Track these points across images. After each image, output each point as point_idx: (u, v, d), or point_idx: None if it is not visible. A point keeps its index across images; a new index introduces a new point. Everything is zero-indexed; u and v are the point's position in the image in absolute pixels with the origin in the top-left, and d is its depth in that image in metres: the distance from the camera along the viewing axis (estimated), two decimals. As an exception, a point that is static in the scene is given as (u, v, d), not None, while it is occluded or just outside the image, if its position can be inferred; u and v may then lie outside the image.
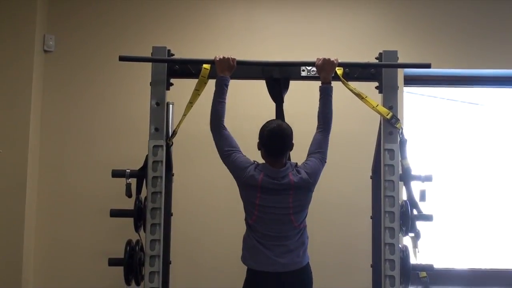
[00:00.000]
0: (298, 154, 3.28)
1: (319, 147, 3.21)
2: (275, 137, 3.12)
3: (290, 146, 3.18)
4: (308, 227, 3.23)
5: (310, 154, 3.22)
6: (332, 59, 3.24)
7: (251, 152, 3.22)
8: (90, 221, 4.35)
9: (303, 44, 4.47)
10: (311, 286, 3.23)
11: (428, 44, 4.51)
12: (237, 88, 3.41)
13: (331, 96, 3.25)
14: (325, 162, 3.21)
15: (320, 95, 3.25)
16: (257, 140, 3.19)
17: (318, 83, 3.29)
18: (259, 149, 3.19)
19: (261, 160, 3.20)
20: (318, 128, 3.24)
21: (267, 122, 3.19)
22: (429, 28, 4.54)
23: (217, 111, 3.19)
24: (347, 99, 3.38)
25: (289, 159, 3.28)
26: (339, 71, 3.34)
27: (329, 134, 3.24)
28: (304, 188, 3.12)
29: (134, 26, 4.52)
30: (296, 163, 3.21)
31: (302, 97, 3.90)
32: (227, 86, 3.23)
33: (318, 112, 3.26)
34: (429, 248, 4.22)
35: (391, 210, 3.27)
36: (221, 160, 3.14)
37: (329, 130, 3.24)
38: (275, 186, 3.09)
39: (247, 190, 3.14)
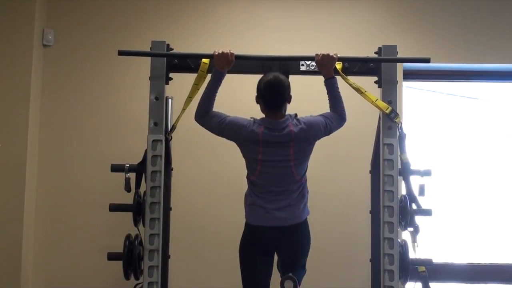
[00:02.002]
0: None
1: (330, 116, 3.24)
2: (272, 88, 3.14)
3: (287, 97, 3.19)
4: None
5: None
6: (331, 53, 3.24)
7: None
8: (89, 215, 4.35)
9: (302, 38, 4.46)
10: (308, 242, 3.23)
11: (427, 38, 4.50)
12: (236, 82, 3.41)
13: (337, 87, 3.28)
14: (328, 130, 3.22)
15: (327, 89, 3.28)
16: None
17: (317, 78, 3.30)
18: (257, 102, 3.20)
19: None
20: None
21: (264, 75, 3.19)
22: (429, 23, 4.53)
23: (206, 105, 3.22)
24: (347, 93, 3.37)
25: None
26: (339, 65, 3.33)
27: (343, 122, 3.28)
28: (304, 139, 3.14)
29: (133, 20, 4.51)
30: (296, 114, 3.23)
31: (301, 93, 3.89)
32: (221, 81, 3.24)
33: (330, 106, 3.30)
34: (428, 243, 4.22)
35: (390, 205, 3.27)
36: (220, 155, 3.15)
37: (343, 118, 3.27)
38: (275, 138, 3.10)
39: (248, 147, 3.15)
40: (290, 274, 2.96)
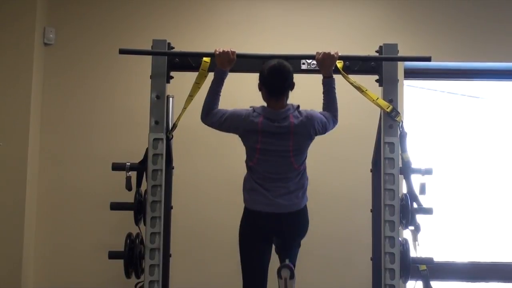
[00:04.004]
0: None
1: (327, 115, 3.21)
2: (276, 74, 3.11)
3: (291, 84, 3.16)
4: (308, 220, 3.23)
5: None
6: (332, 52, 3.23)
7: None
8: (90, 214, 4.35)
9: (303, 36, 4.46)
10: (306, 228, 3.22)
11: (429, 37, 4.50)
12: (236, 81, 3.41)
13: (334, 88, 3.26)
14: (324, 129, 3.19)
15: (324, 89, 3.26)
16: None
17: (317, 77, 3.29)
18: (260, 89, 3.18)
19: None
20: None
21: (267, 61, 3.16)
22: (430, 21, 4.53)
23: (209, 104, 3.20)
24: (347, 92, 3.37)
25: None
26: (339, 64, 3.33)
27: (335, 124, 3.25)
28: (303, 133, 3.11)
29: (134, 19, 4.52)
30: (298, 105, 3.20)
31: (302, 91, 3.89)
32: (223, 80, 3.23)
33: (323, 106, 3.27)
34: (429, 242, 4.21)
35: (391, 203, 3.27)
36: (221, 154, 3.14)
37: (336, 120, 3.25)
38: (275, 129, 3.08)
39: (248, 136, 3.13)
40: (287, 262, 2.97)
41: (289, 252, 3.16)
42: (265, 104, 3.19)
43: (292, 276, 2.93)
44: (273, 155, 3.10)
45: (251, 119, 3.11)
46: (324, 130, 3.21)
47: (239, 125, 3.14)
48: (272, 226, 3.13)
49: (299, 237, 3.23)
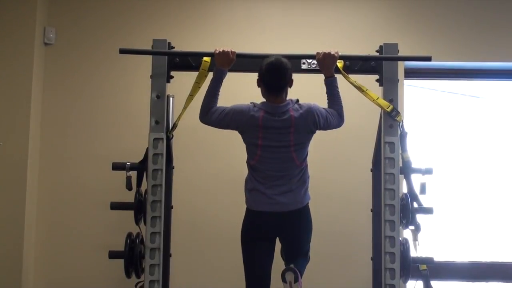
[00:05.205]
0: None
1: (331, 111, 3.22)
2: (274, 71, 3.10)
3: (289, 81, 3.16)
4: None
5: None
6: (332, 52, 3.24)
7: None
8: (90, 214, 4.35)
9: (303, 36, 4.46)
10: (310, 228, 3.23)
11: (429, 37, 4.50)
12: (236, 81, 3.41)
13: (337, 87, 3.27)
14: (327, 124, 3.19)
15: (326, 88, 3.27)
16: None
17: (317, 76, 3.29)
18: (258, 86, 3.18)
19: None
20: None
21: (266, 58, 3.16)
22: (430, 21, 4.53)
23: (208, 104, 3.20)
24: (348, 92, 3.38)
25: None
26: (340, 64, 3.33)
27: (342, 122, 3.26)
28: (304, 126, 3.11)
29: (135, 18, 4.52)
30: (298, 99, 3.21)
31: (302, 91, 3.89)
32: (222, 79, 3.23)
33: (328, 105, 3.28)
34: (430, 241, 4.21)
35: (391, 203, 3.27)
36: (221, 153, 3.14)
37: (342, 118, 3.26)
38: (276, 123, 3.09)
39: (248, 132, 3.13)
40: (292, 266, 2.97)
41: (295, 259, 3.14)
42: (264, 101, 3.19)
43: (296, 279, 2.92)
44: (275, 151, 3.09)
45: (252, 113, 3.11)
46: (326, 123, 3.19)
47: (240, 119, 3.13)
48: (275, 225, 3.14)
49: (303, 236, 3.22)
